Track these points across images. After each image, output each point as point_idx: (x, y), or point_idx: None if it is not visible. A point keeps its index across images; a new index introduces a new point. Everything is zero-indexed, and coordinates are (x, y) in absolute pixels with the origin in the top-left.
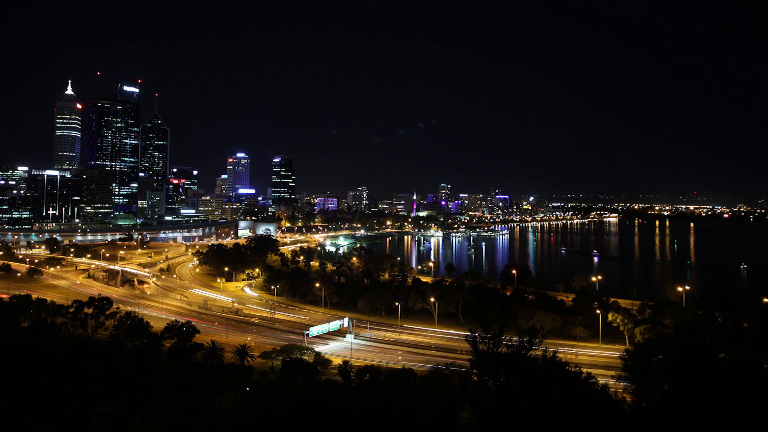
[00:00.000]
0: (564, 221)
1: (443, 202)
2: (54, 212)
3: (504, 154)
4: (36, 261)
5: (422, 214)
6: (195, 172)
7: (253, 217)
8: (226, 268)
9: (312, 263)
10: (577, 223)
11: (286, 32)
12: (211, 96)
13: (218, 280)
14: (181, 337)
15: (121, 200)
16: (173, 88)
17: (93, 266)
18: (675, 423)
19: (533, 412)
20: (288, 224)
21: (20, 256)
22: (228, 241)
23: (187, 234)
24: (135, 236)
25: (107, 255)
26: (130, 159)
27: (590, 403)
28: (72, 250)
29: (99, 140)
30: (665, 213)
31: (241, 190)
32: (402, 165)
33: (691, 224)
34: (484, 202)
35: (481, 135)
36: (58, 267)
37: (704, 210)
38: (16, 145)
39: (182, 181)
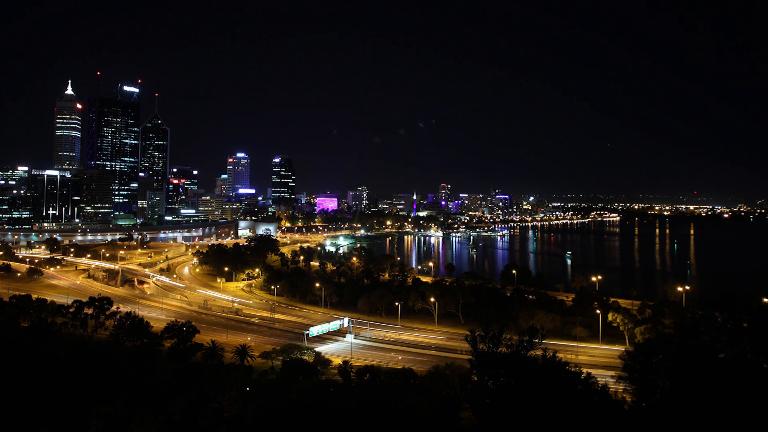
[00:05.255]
0: (564, 221)
1: (443, 202)
2: (54, 212)
3: (504, 154)
4: (36, 261)
5: (422, 214)
6: (195, 172)
7: (253, 217)
8: (226, 268)
9: (312, 263)
10: (577, 222)
11: (287, 33)
12: (212, 96)
13: (218, 280)
14: (181, 337)
15: (121, 200)
16: (173, 89)
17: (93, 266)
18: (675, 423)
19: (533, 412)
20: (288, 224)
21: (20, 256)
22: (228, 241)
23: (187, 234)
24: (135, 236)
25: (107, 255)
26: (130, 159)
27: (590, 403)
28: (72, 250)
29: (99, 140)
30: (665, 213)
31: (241, 190)
32: (402, 165)
33: (691, 224)
34: (484, 202)
35: (481, 135)
36: (58, 267)
37: (704, 210)
38: (16, 145)
39: (182, 181)
